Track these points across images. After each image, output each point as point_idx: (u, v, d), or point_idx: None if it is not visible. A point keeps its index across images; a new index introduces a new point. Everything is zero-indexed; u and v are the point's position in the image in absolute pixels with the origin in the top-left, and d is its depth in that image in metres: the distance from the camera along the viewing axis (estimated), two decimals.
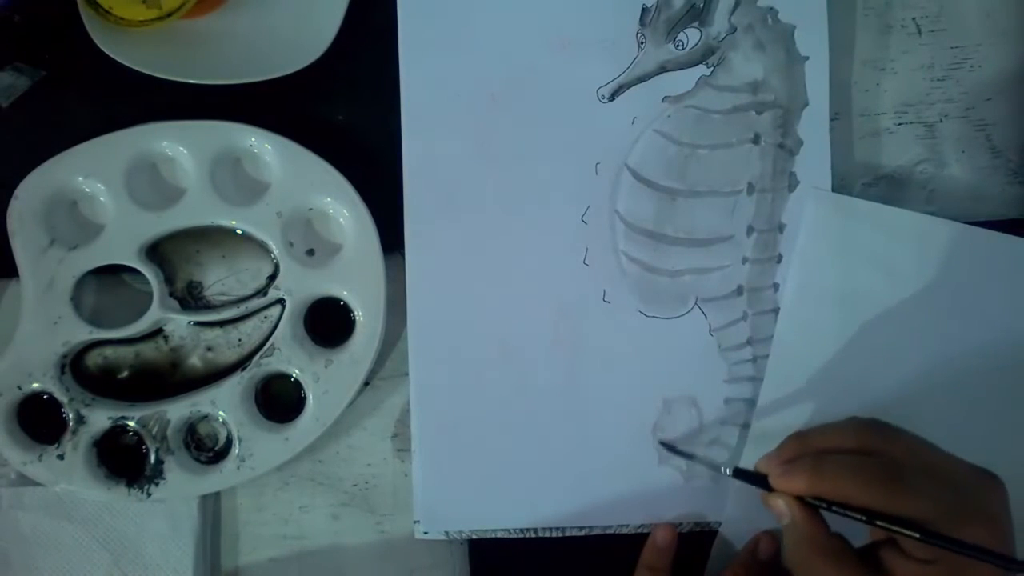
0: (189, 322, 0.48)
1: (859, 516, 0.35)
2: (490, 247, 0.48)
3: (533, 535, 0.47)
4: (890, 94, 0.49)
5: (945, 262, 0.46)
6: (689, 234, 0.48)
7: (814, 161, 0.47)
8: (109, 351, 0.48)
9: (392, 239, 0.47)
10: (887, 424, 0.38)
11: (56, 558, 0.48)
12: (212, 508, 0.49)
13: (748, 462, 0.44)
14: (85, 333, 0.47)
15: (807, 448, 0.38)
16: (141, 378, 0.49)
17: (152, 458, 0.47)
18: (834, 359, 0.47)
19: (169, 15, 0.44)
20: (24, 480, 0.48)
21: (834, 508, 0.36)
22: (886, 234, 0.47)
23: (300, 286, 0.47)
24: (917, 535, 0.34)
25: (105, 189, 0.47)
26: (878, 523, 0.35)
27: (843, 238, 0.47)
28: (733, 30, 0.47)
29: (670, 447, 0.47)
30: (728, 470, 0.42)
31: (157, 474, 0.47)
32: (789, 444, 0.39)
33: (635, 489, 0.47)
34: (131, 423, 0.47)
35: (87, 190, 0.47)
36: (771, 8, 0.47)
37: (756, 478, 0.39)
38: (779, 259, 0.48)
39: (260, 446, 0.47)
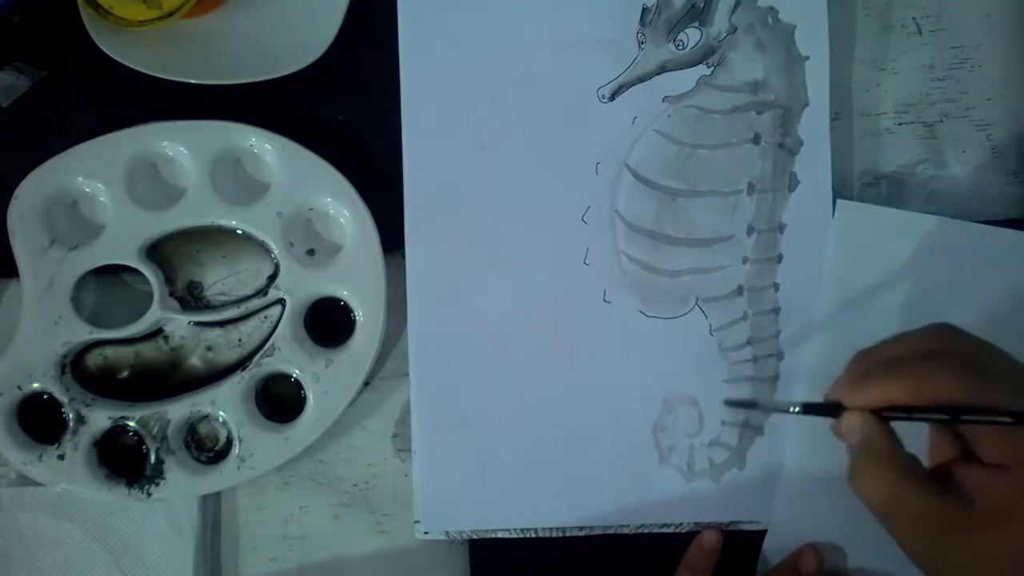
0: (189, 322, 0.48)
1: (942, 416, 0.32)
2: (490, 247, 0.48)
3: (533, 535, 0.47)
4: (890, 94, 0.49)
5: (974, 265, 0.46)
6: (689, 234, 0.48)
7: (814, 161, 0.47)
8: (109, 351, 0.48)
9: (392, 239, 0.47)
10: (959, 327, 0.35)
11: (56, 558, 0.48)
12: (212, 508, 0.49)
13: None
14: (85, 333, 0.47)
15: (876, 360, 0.35)
16: (141, 378, 0.49)
17: (152, 458, 0.47)
18: None
19: (169, 15, 0.44)
20: (24, 480, 0.48)
21: (914, 416, 0.33)
22: (914, 240, 0.47)
23: (300, 286, 0.47)
24: (1009, 420, 0.31)
25: (105, 189, 0.47)
26: (963, 418, 0.32)
27: (874, 248, 0.47)
28: (733, 30, 0.47)
29: (734, 402, 0.46)
30: (796, 408, 0.38)
31: (157, 474, 0.47)
32: (857, 361, 0.36)
33: (635, 489, 0.47)
34: (131, 423, 0.47)
35: (87, 190, 0.47)
36: (771, 8, 0.47)
37: (827, 408, 0.36)
38: (779, 259, 0.48)
39: (260, 446, 0.47)
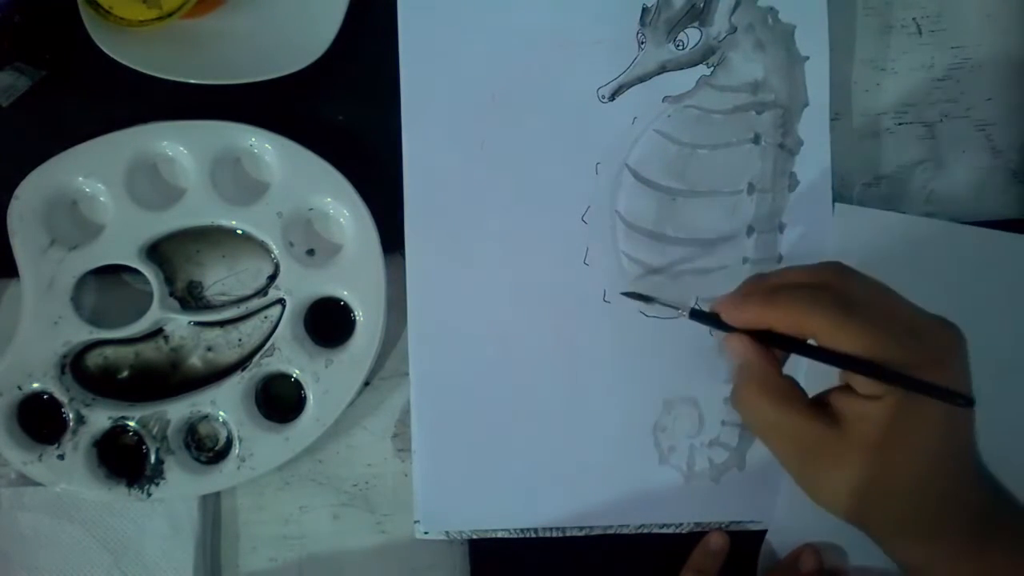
0: (189, 322, 0.48)
1: (809, 354, 0.34)
2: (490, 247, 0.48)
3: (533, 535, 0.47)
4: (890, 94, 0.49)
5: (972, 267, 0.46)
6: (689, 234, 0.48)
7: (814, 161, 0.47)
8: (109, 351, 0.48)
9: (392, 239, 0.47)
10: (849, 267, 0.36)
11: (56, 558, 0.48)
12: (212, 508, 0.49)
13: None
14: (85, 333, 0.47)
15: (763, 285, 0.36)
16: (141, 378, 0.49)
17: (152, 458, 0.47)
18: None
19: (169, 15, 0.44)
20: (24, 480, 0.48)
21: (787, 346, 0.35)
22: (913, 243, 0.47)
23: (300, 286, 0.47)
24: (860, 372, 0.33)
25: (105, 189, 0.47)
26: (823, 360, 0.33)
27: (873, 251, 0.47)
28: (733, 30, 0.47)
29: (631, 294, 0.42)
30: (684, 312, 0.39)
31: (157, 474, 0.47)
32: (747, 282, 0.37)
33: (635, 489, 0.47)
34: (131, 423, 0.47)
35: (87, 190, 0.47)
36: (771, 8, 0.47)
37: (711, 318, 0.37)
38: (779, 259, 0.48)
39: (260, 446, 0.47)
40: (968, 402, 0.33)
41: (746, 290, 0.36)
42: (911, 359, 0.32)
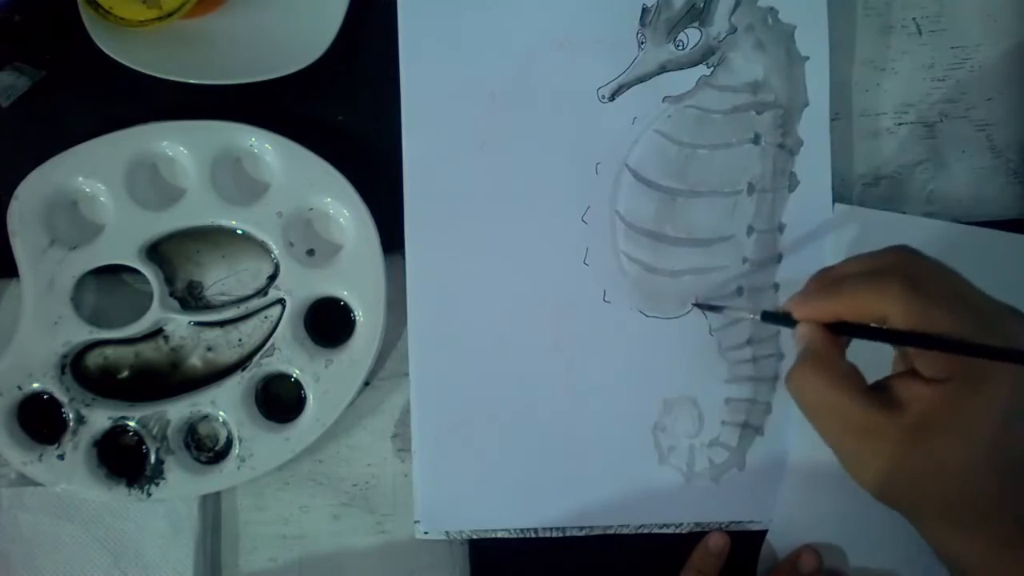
0: (189, 322, 0.48)
1: (881, 337, 0.34)
2: (490, 247, 0.48)
3: (533, 535, 0.47)
4: (890, 94, 0.49)
5: (972, 268, 0.46)
6: (689, 234, 0.48)
7: (814, 161, 0.47)
8: (109, 351, 0.49)
9: (392, 239, 0.47)
10: (915, 249, 0.36)
11: (56, 558, 0.48)
12: (212, 508, 0.49)
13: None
14: (85, 333, 0.47)
15: (830, 276, 0.36)
16: (141, 378, 0.49)
17: (152, 458, 0.47)
18: (870, 369, 0.46)
19: (169, 15, 0.44)
20: (24, 480, 0.48)
21: (859, 333, 0.35)
22: (912, 243, 0.46)
23: (300, 286, 0.47)
24: (936, 348, 0.33)
25: (105, 189, 0.47)
26: (898, 341, 0.34)
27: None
28: (733, 30, 0.47)
29: (702, 305, 0.47)
30: (756, 315, 0.40)
31: (157, 474, 0.47)
32: (814, 276, 0.37)
33: (635, 489, 0.47)
34: (131, 423, 0.47)
35: (87, 190, 0.47)
36: (771, 8, 0.47)
37: (783, 318, 0.37)
38: (779, 259, 0.48)
39: (260, 446, 0.47)
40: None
41: (813, 285, 0.37)
42: (980, 338, 0.32)
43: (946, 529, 0.35)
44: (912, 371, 0.35)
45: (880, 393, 0.35)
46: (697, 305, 0.46)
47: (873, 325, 0.34)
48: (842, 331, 0.35)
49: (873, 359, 0.36)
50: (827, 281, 0.36)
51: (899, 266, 0.34)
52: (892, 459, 0.34)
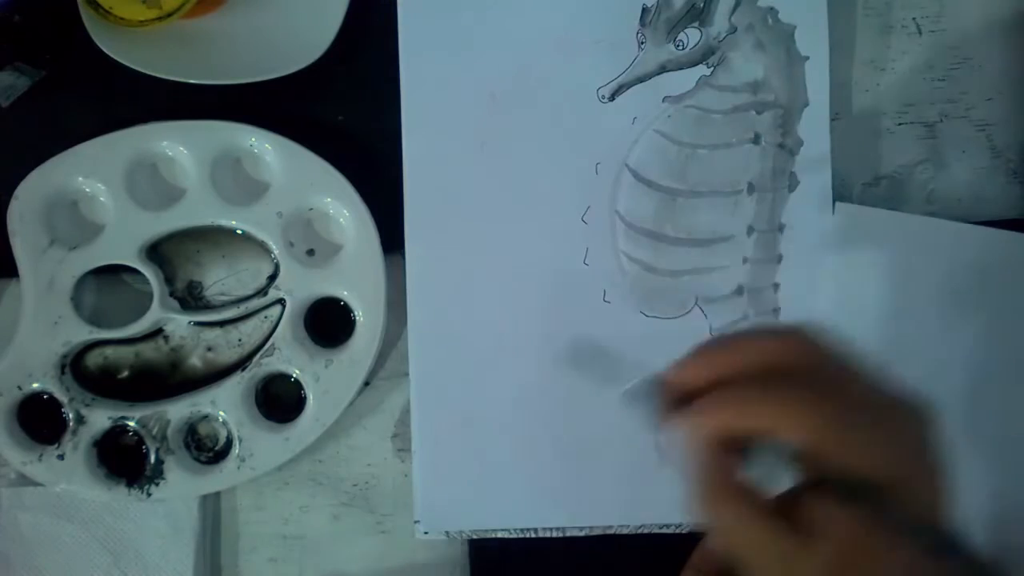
0: (189, 322, 0.48)
1: (775, 461, 0.29)
2: (490, 247, 0.48)
3: (533, 535, 0.47)
4: (890, 94, 0.49)
5: (972, 267, 0.47)
6: (689, 234, 0.48)
7: (814, 161, 0.47)
8: (109, 351, 0.48)
9: (392, 239, 0.47)
10: (816, 332, 0.30)
11: (56, 558, 0.48)
12: (212, 508, 0.49)
13: None
14: (85, 333, 0.47)
15: (719, 366, 0.30)
16: (141, 378, 0.49)
17: (152, 458, 0.47)
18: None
19: (169, 15, 0.44)
20: (24, 480, 0.48)
21: (753, 451, 0.29)
22: (913, 242, 0.47)
23: (300, 286, 0.47)
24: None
25: (105, 189, 0.47)
26: (809, 473, 0.29)
27: (873, 250, 0.47)
28: (733, 30, 0.47)
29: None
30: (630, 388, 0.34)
31: (157, 474, 0.47)
32: (695, 361, 0.31)
33: (635, 489, 0.47)
34: (131, 423, 0.47)
35: (87, 190, 0.47)
36: (771, 8, 0.47)
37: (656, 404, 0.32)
38: (779, 259, 0.48)
39: (260, 446, 0.47)
40: (939, 544, 0.27)
41: (694, 372, 0.31)
42: (906, 467, 0.28)
43: None
44: (821, 482, 0.29)
45: (791, 513, 0.29)
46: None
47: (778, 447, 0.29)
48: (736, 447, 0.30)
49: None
50: (715, 370, 0.30)
51: (804, 362, 0.29)
52: None
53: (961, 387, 0.46)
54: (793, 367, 0.29)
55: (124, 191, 0.47)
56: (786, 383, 0.29)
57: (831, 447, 0.28)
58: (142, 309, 0.47)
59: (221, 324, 0.48)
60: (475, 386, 0.47)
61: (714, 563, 0.45)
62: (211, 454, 0.48)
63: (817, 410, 0.28)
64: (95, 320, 0.47)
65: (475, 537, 0.48)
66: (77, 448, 0.46)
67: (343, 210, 0.47)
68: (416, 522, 0.47)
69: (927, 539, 0.27)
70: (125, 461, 0.47)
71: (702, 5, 0.47)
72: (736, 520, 0.29)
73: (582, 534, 0.47)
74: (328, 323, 0.48)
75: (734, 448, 0.29)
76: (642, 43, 0.47)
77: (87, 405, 0.47)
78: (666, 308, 0.48)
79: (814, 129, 0.47)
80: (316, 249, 0.48)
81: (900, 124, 0.49)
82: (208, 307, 0.49)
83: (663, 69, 0.47)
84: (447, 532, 0.47)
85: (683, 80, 0.48)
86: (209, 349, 0.49)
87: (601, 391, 0.47)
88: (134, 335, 0.48)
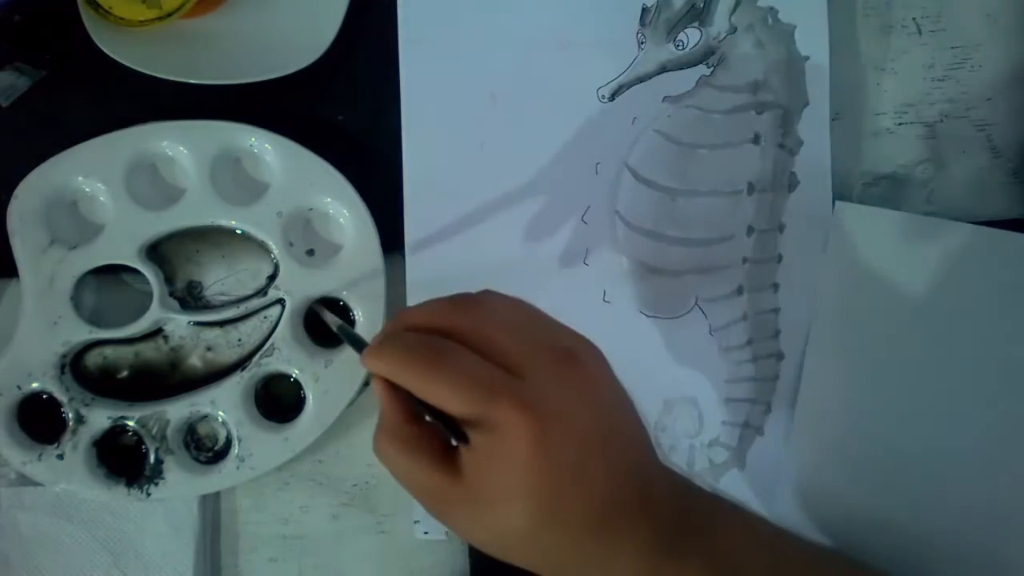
0: (189, 322, 0.48)
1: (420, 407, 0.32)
2: (490, 247, 0.48)
3: None
4: (890, 94, 0.49)
5: (972, 266, 0.46)
6: (689, 234, 0.48)
7: (814, 161, 0.47)
8: (109, 351, 0.48)
9: (392, 239, 0.47)
10: (471, 296, 0.34)
11: (56, 558, 0.48)
12: (212, 508, 0.49)
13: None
14: (85, 333, 0.47)
15: (404, 323, 0.34)
16: (141, 378, 0.49)
17: (152, 458, 0.47)
18: (870, 370, 0.47)
19: (169, 15, 0.44)
20: (24, 480, 0.48)
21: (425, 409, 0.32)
22: (913, 241, 0.47)
23: (300, 286, 0.47)
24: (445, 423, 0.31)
25: (105, 189, 0.47)
26: (423, 412, 0.32)
27: (873, 249, 0.47)
28: (733, 30, 0.47)
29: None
30: (336, 326, 0.39)
31: (157, 474, 0.47)
32: (393, 318, 0.35)
33: None
34: (131, 423, 0.47)
35: (87, 190, 0.47)
36: (771, 8, 0.47)
37: (357, 342, 0.37)
38: (779, 259, 0.48)
39: (260, 446, 0.47)
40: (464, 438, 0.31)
41: (387, 328, 0.35)
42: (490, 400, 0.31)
43: None
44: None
45: (452, 456, 0.32)
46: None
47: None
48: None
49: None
50: (400, 329, 0.34)
51: (453, 328, 0.33)
52: (468, 530, 0.32)
53: (961, 387, 0.46)
54: (450, 327, 0.33)
55: (124, 191, 0.47)
56: (420, 338, 0.33)
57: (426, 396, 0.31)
58: (142, 309, 0.47)
59: (221, 324, 0.48)
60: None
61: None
62: (211, 454, 0.48)
63: (435, 364, 0.31)
64: (95, 320, 0.47)
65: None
66: (77, 448, 0.46)
67: (343, 210, 0.47)
68: (416, 522, 0.47)
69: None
70: (124, 461, 0.47)
71: (702, 5, 0.47)
72: (408, 459, 0.32)
73: None
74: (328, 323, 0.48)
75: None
76: (642, 43, 0.47)
77: (87, 405, 0.47)
78: (666, 308, 0.48)
79: (814, 129, 0.47)
80: (316, 249, 0.48)
81: (900, 124, 0.49)
82: (208, 307, 0.49)
83: (663, 69, 0.48)
84: (447, 532, 0.47)
85: (683, 80, 0.48)
86: (209, 349, 0.49)
87: None
88: (134, 335, 0.48)
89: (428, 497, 0.33)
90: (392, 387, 0.33)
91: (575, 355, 0.34)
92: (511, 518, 0.31)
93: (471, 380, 0.31)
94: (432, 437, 0.33)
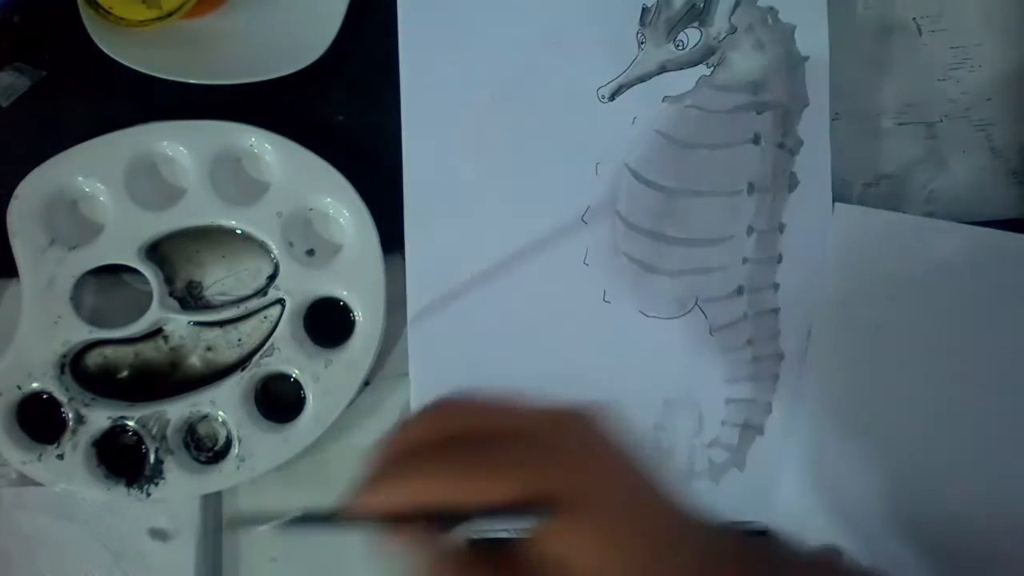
0: (189, 322, 0.48)
1: (460, 523, 0.29)
2: (490, 247, 0.48)
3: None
4: (890, 94, 0.49)
5: (972, 268, 0.46)
6: (689, 234, 0.48)
7: (814, 161, 0.47)
8: (109, 351, 0.48)
9: (392, 239, 0.47)
10: (459, 398, 0.31)
11: (57, 558, 0.48)
12: (212, 508, 0.49)
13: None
14: (85, 333, 0.47)
15: (392, 456, 0.30)
16: (141, 378, 0.49)
17: (152, 458, 0.47)
18: (871, 369, 0.47)
19: (169, 15, 0.44)
20: (25, 480, 0.48)
21: (436, 523, 0.29)
22: (912, 243, 0.47)
23: (300, 286, 0.47)
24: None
25: (105, 189, 0.47)
26: (476, 524, 0.29)
27: (873, 251, 0.47)
28: (733, 30, 0.47)
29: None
30: (280, 522, 0.33)
31: (156, 474, 0.47)
32: (373, 458, 0.31)
33: None
34: (131, 423, 0.47)
35: (87, 190, 0.47)
36: (771, 8, 0.47)
37: (331, 519, 0.31)
38: (779, 259, 0.48)
39: (260, 446, 0.47)
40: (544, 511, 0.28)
41: (373, 469, 0.30)
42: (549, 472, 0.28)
43: None
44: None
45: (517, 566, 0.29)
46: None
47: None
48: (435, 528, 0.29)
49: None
50: (388, 461, 0.30)
51: (464, 431, 0.29)
52: None
53: (960, 387, 0.46)
54: (458, 432, 0.29)
55: (124, 191, 0.47)
56: (451, 448, 0.29)
57: (474, 496, 0.28)
58: (142, 309, 0.47)
59: (221, 324, 0.48)
60: (475, 386, 0.47)
61: None
62: (211, 454, 0.48)
63: (448, 469, 0.28)
64: (95, 320, 0.47)
65: (475, 537, 0.48)
66: (76, 448, 0.46)
67: (343, 210, 0.47)
68: None
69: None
70: (125, 461, 0.47)
71: (702, 5, 0.47)
72: None
73: None
74: (327, 323, 0.48)
75: (431, 522, 0.29)
76: (642, 43, 0.47)
77: (87, 405, 0.47)
78: (666, 308, 0.48)
79: (814, 129, 0.47)
80: (316, 249, 0.48)
81: (900, 124, 0.49)
82: (208, 307, 0.49)
83: (663, 69, 0.47)
84: None
85: (683, 80, 0.47)
86: (209, 349, 0.49)
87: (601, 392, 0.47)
88: (134, 335, 0.48)
89: None
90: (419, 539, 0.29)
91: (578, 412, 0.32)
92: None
93: (513, 460, 0.28)
94: (478, 561, 0.29)
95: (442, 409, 0.31)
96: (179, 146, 0.47)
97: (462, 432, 0.30)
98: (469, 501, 0.28)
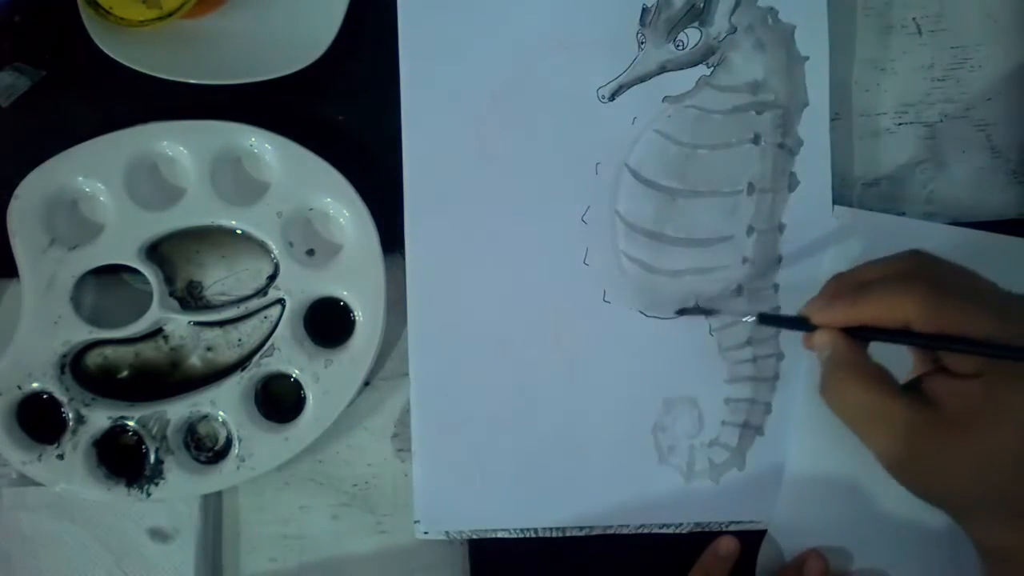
0: (189, 322, 0.48)
1: (904, 340, 0.34)
2: (490, 247, 0.48)
3: (533, 535, 0.47)
4: (890, 94, 0.49)
5: (981, 271, 0.46)
6: (689, 234, 0.48)
7: (814, 161, 0.47)
8: (109, 351, 0.49)
9: (392, 239, 0.47)
10: (930, 252, 0.36)
11: (57, 558, 0.48)
12: (212, 508, 0.49)
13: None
14: (85, 333, 0.47)
15: (848, 282, 0.36)
16: (141, 378, 0.49)
17: (152, 458, 0.47)
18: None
19: (169, 15, 0.44)
20: (26, 480, 0.48)
21: (880, 337, 0.35)
22: (912, 246, 0.46)
23: (300, 286, 0.47)
24: (967, 349, 0.33)
25: (105, 189, 0.47)
26: (923, 344, 0.34)
27: (872, 254, 0.47)
28: (733, 30, 0.47)
29: (686, 310, 0.46)
30: (750, 317, 0.41)
31: (157, 474, 0.47)
32: (830, 283, 0.37)
33: (635, 489, 0.47)
34: (131, 423, 0.47)
35: (87, 190, 0.47)
36: (771, 8, 0.47)
37: (789, 321, 0.38)
38: (779, 259, 0.48)
39: (260, 446, 0.47)
40: None
41: (833, 290, 0.37)
42: (1006, 334, 0.32)
43: (993, 523, 0.35)
44: (941, 368, 0.35)
45: (915, 393, 0.35)
46: (684, 311, 0.46)
47: (896, 329, 0.34)
48: (865, 336, 0.35)
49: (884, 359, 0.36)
50: (847, 287, 0.36)
51: (920, 270, 0.35)
52: (936, 457, 0.34)
53: None
54: (921, 272, 0.35)
55: (124, 191, 0.47)
56: (915, 281, 0.34)
57: (965, 329, 0.33)
58: (142, 309, 0.47)
59: (221, 324, 0.49)
60: (475, 386, 0.47)
61: (722, 567, 0.46)
62: (211, 454, 0.48)
63: (941, 303, 0.33)
64: (95, 320, 0.47)
65: (475, 537, 0.48)
66: (77, 448, 0.46)
67: (343, 210, 0.47)
68: (416, 522, 0.47)
69: None
70: (125, 461, 0.47)
71: (702, 5, 0.47)
72: (873, 393, 0.34)
73: (582, 534, 0.47)
74: (328, 323, 0.48)
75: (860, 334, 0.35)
76: (642, 43, 0.47)
77: (87, 405, 0.47)
78: (666, 308, 0.48)
79: (814, 129, 0.47)
80: (316, 249, 0.48)
81: (900, 124, 0.49)
82: (208, 307, 0.49)
83: (663, 69, 0.48)
84: (447, 532, 0.47)
85: (683, 80, 0.48)
86: (209, 349, 0.49)
87: (602, 391, 0.47)
88: (134, 335, 0.48)
89: (893, 430, 0.34)
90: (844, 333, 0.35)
91: None
92: (1011, 444, 0.33)
93: (991, 305, 0.33)
94: (888, 373, 0.35)
95: (904, 255, 0.36)
96: (179, 146, 0.47)
97: (922, 275, 0.35)
98: (919, 323, 0.33)
